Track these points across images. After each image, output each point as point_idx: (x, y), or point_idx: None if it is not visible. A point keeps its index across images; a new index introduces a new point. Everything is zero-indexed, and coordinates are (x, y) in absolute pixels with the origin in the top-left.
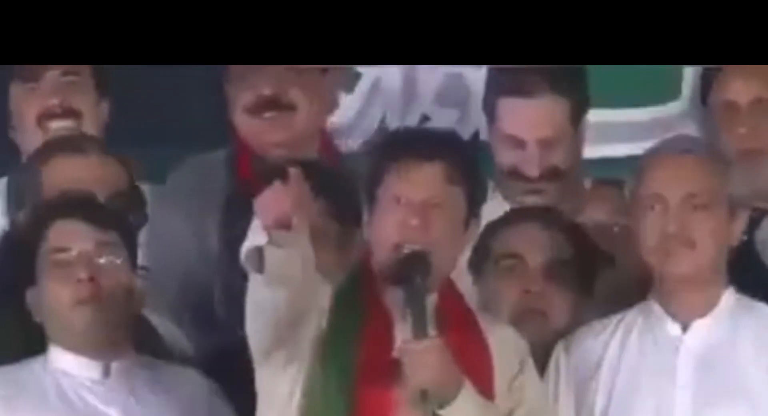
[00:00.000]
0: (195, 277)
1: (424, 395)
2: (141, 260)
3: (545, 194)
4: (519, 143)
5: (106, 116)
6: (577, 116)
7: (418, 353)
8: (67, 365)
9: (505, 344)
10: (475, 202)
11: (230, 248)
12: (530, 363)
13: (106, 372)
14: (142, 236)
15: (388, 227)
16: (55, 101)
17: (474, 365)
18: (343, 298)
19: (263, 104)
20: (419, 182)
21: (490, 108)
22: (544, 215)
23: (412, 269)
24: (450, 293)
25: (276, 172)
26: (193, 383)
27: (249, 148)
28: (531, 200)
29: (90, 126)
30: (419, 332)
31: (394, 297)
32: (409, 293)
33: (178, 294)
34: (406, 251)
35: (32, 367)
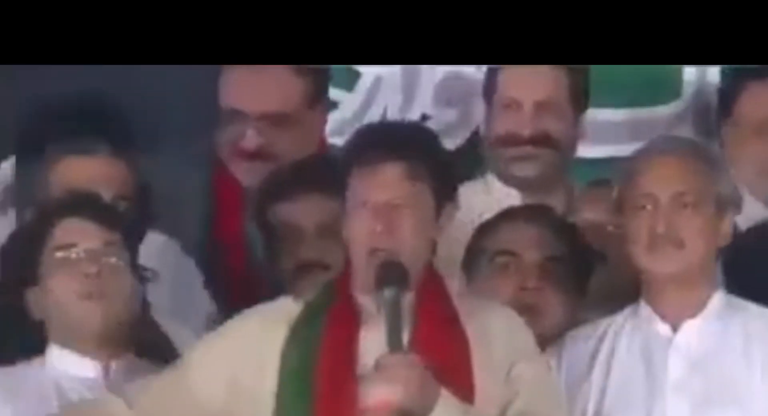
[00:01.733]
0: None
1: (402, 413)
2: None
3: (534, 161)
4: (516, 106)
5: None
6: (575, 96)
7: (392, 368)
8: (66, 364)
9: (494, 335)
10: (444, 193)
11: None
12: (531, 349)
13: (106, 372)
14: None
15: (360, 233)
16: None
17: (450, 363)
18: (312, 307)
19: (248, 154)
20: (381, 184)
21: (492, 80)
22: (538, 213)
23: (387, 279)
24: (428, 290)
25: None
26: None
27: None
28: (519, 168)
29: None
30: (394, 345)
31: (365, 302)
32: (385, 304)
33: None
34: (381, 259)
35: (32, 367)
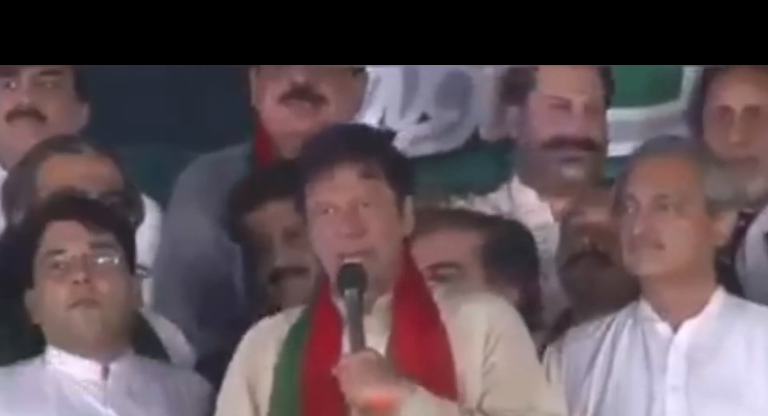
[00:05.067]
0: (216, 274)
1: (366, 411)
2: (153, 257)
3: (581, 163)
4: (565, 106)
5: (84, 118)
6: (607, 96)
7: (355, 367)
8: (65, 366)
9: (475, 327)
10: (401, 187)
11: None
12: (507, 338)
13: (105, 374)
14: (155, 235)
15: (327, 238)
16: (25, 100)
17: (432, 361)
18: (302, 313)
19: (296, 92)
20: (340, 187)
21: (526, 79)
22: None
23: (346, 280)
24: (406, 290)
25: None
26: (192, 384)
27: (270, 141)
28: (567, 171)
29: (54, 130)
30: (356, 345)
31: (342, 305)
32: (345, 305)
33: (196, 291)
34: (343, 263)
35: (31, 368)
